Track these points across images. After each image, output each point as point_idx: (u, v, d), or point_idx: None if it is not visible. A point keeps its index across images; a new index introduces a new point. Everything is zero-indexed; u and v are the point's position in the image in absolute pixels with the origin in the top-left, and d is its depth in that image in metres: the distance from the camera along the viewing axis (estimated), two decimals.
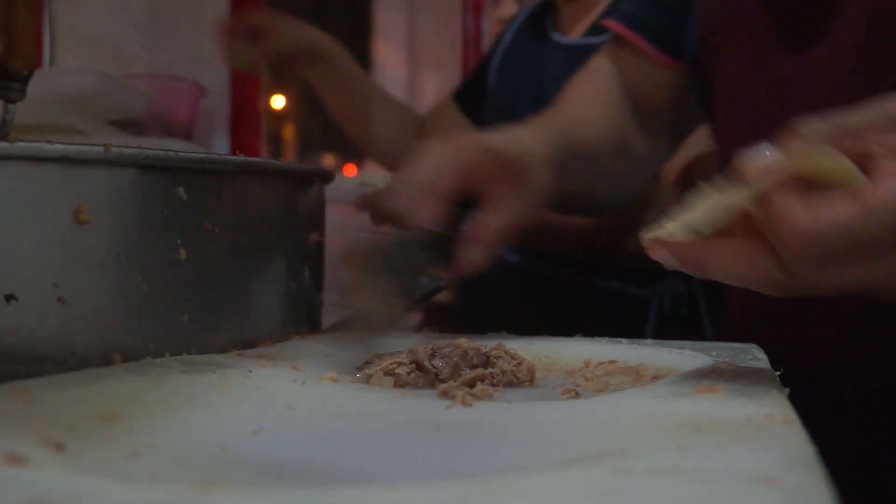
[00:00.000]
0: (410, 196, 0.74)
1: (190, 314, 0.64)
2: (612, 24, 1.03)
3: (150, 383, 0.52)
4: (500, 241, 0.79)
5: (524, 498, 0.31)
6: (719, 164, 0.96)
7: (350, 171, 6.54)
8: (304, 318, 0.76)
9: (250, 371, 0.58)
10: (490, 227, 0.78)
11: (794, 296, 0.55)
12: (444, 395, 0.58)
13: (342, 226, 0.87)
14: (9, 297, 0.57)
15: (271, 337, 0.70)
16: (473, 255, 0.77)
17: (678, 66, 0.99)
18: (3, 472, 0.34)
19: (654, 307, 1.32)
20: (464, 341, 0.67)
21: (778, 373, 0.60)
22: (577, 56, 1.17)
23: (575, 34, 1.37)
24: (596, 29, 1.31)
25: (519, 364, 0.66)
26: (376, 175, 1.73)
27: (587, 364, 0.70)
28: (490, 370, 0.63)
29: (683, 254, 0.55)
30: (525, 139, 0.84)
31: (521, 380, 0.65)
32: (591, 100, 1.02)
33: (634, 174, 1.05)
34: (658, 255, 0.56)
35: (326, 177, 0.80)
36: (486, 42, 2.32)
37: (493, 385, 0.62)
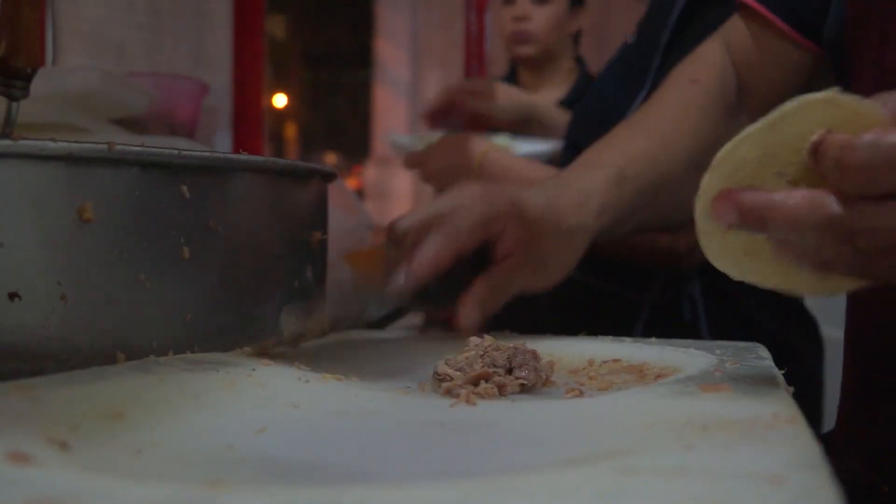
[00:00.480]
0: (426, 250, 0.74)
1: (193, 313, 0.64)
2: None
3: (153, 382, 0.52)
4: (493, 310, 0.79)
5: (530, 497, 0.31)
6: None
7: (352, 183, 6.54)
8: (307, 317, 0.75)
9: (254, 370, 0.58)
10: (497, 282, 0.77)
11: (863, 262, 0.52)
12: (449, 393, 0.58)
13: (349, 226, 0.87)
14: (12, 296, 0.56)
15: (275, 335, 0.70)
16: (467, 318, 0.77)
17: (810, 46, 0.94)
18: (7, 471, 0.33)
19: (645, 312, 1.32)
20: (489, 341, 0.66)
21: (782, 371, 0.59)
22: None
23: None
24: None
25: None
26: (431, 133, 1.73)
27: (591, 363, 0.70)
28: (523, 373, 0.62)
29: (746, 201, 0.52)
30: (570, 209, 0.82)
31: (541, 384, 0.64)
32: (688, 103, 0.98)
33: None
34: (720, 210, 0.53)
35: (329, 175, 0.80)
36: (489, 40, 2.32)
37: (522, 389, 0.61)
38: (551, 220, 0.80)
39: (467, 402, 0.55)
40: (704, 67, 0.99)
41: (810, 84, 0.95)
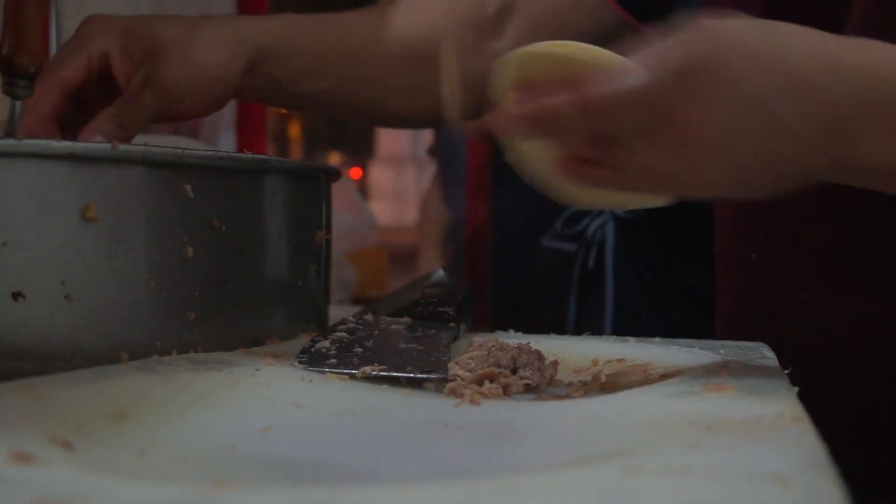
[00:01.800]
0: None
1: (197, 312, 0.64)
2: None
3: (157, 381, 0.52)
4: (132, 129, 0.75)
5: (535, 497, 0.31)
6: None
7: (356, 174, 6.53)
8: (310, 316, 0.75)
9: (258, 369, 0.57)
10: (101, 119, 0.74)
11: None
12: (453, 393, 0.58)
13: None
14: (16, 295, 0.56)
15: (278, 335, 0.70)
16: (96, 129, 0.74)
17: (630, 20, 0.92)
18: (11, 471, 0.33)
19: (577, 264, 1.32)
20: (496, 341, 0.66)
21: (787, 371, 0.59)
22: None
23: None
24: None
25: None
26: None
27: (595, 362, 0.70)
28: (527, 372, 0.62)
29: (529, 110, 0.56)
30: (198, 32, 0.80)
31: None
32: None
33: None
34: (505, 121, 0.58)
35: (333, 174, 0.80)
36: None
37: (526, 389, 0.61)
38: (153, 31, 0.79)
39: (471, 401, 0.55)
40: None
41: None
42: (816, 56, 0.54)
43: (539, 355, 0.63)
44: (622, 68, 0.55)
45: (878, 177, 0.58)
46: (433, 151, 3.00)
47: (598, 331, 1.24)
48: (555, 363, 0.65)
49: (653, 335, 0.76)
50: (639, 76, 0.54)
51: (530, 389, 0.61)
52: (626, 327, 1.11)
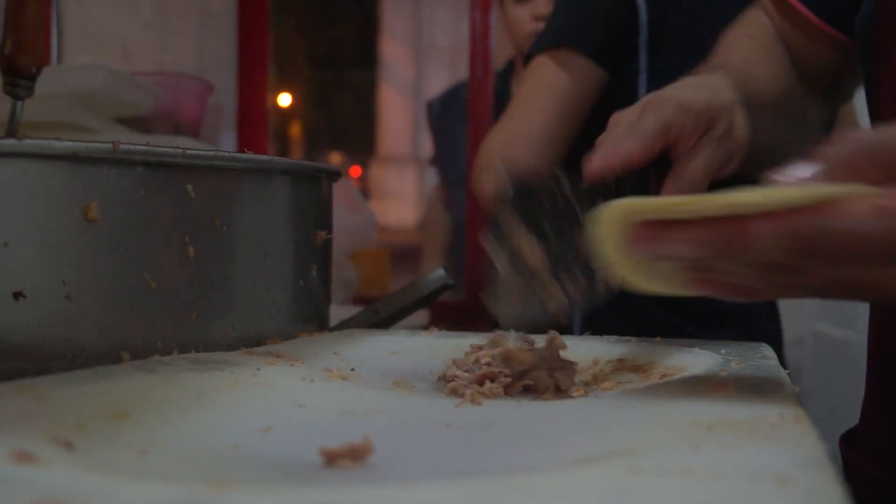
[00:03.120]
0: (614, 143, 0.71)
1: (198, 312, 0.64)
2: None
3: (158, 381, 0.52)
4: (701, 186, 0.75)
5: (537, 497, 0.31)
6: None
7: (356, 172, 6.53)
8: (312, 316, 0.76)
9: (259, 369, 0.57)
10: (688, 173, 0.74)
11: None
12: (454, 393, 0.58)
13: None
14: (17, 295, 0.56)
15: (279, 335, 0.70)
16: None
17: (840, 37, 0.93)
18: (13, 471, 0.33)
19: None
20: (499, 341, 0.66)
21: (787, 371, 0.59)
22: None
23: None
24: None
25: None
26: None
27: (596, 363, 0.70)
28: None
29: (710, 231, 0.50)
30: (714, 87, 0.80)
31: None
32: (756, 50, 0.97)
33: (803, 133, 1.00)
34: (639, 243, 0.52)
35: (334, 175, 0.80)
36: (494, 40, 2.32)
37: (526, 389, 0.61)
38: (716, 102, 0.78)
39: (472, 401, 0.55)
40: (757, 26, 0.99)
41: (846, 66, 0.95)
42: None
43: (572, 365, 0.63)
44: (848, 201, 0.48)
45: None
46: (434, 162, 3.00)
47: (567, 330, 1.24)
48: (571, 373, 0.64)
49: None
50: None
51: (531, 389, 0.61)
52: (597, 328, 1.11)
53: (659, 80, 1.32)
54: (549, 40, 1.32)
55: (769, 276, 0.51)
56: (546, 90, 1.29)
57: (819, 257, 0.48)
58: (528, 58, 1.35)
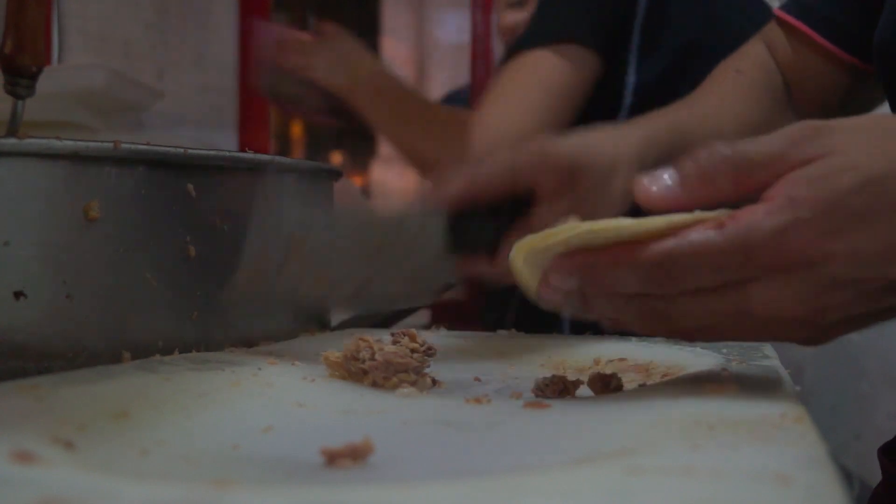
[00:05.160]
0: (447, 181, 0.71)
1: (199, 311, 0.64)
2: (780, 13, 0.97)
3: (159, 381, 0.52)
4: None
5: (537, 497, 0.31)
6: None
7: (356, 182, 6.51)
8: (312, 316, 0.76)
9: (259, 369, 0.57)
10: (532, 221, 0.73)
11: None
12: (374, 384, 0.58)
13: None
14: (18, 294, 0.57)
15: (280, 334, 0.70)
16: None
17: (852, 60, 0.93)
18: (13, 471, 0.33)
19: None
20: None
21: (788, 371, 0.59)
22: None
23: None
24: None
25: None
26: None
27: (597, 362, 0.70)
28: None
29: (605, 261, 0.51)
30: (606, 143, 0.79)
31: None
32: (737, 87, 0.97)
33: None
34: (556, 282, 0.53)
35: (335, 174, 0.80)
36: (495, 40, 2.32)
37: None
38: (586, 155, 0.77)
39: (476, 402, 0.55)
40: (748, 61, 0.98)
41: (857, 90, 0.95)
42: None
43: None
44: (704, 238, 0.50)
45: None
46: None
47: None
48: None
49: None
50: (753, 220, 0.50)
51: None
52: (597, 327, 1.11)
53: (650, 61, 1.32)
54: (548, 35, 1.30)
55: (644, 314, 0.52)
56: (543, 86, 1.27)
57: (676, 280, 0.50)
58: (513, 51, 1.33)
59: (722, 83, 0.98)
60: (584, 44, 1.29)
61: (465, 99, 2.37)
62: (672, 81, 1.33)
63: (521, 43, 1.32)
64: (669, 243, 0.50)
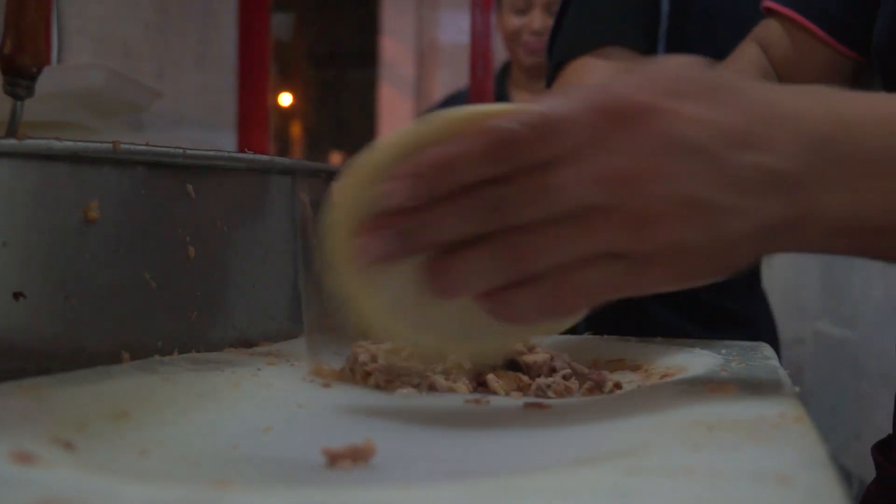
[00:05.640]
0: None
1: (198, 312, 0.64)
2: (775, 6, 0.97)
3: (158, 381, 0.52)
4: None
5: (538, 497, 0.31)
6: None
7: None
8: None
9: (259, 369, 0.57)
10: None
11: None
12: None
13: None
14: (17, 295, 0.56)
15: (280, 335, 0.70)
16: None
17: (850, 53, 0.92)
18: (13, 471, 0.33)
19: None
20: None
21: (788, 371, 0.59)
22: None
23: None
24: None
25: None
26: None
27: (595, 363, 0.70)
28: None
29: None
30: None
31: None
32: None
33: None
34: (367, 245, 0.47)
35: (334, 174, 0.79)
36: (495, 40, 2.32)
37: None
38: None
39: (476, 403, 0.55)
40: (743, 61, 0.98)
41: (857, 85, 0.94)
42: (763, 103, 0.48)
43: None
44: (524, 108, 0.46)
45: (838, 236, 0.50)
46: None
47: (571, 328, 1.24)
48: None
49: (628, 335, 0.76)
50: (555, 107, 0.46)
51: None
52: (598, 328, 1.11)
53: None
54: (591, 40, 1.28)
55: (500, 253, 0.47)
56: None
57: (521, 155, 0.46)
58: (557, 65, 1.31)
59: None
60: (627, 45, 1.28)
61: (464, 101, 2.37)
62: None
63: (564, 53, 1.30)
64: (490, 123, 0.46)
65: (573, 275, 0.47)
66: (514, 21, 2.14)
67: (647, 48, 1.30)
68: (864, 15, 0.88)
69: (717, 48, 1.31)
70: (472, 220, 0.47)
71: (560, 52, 1.31)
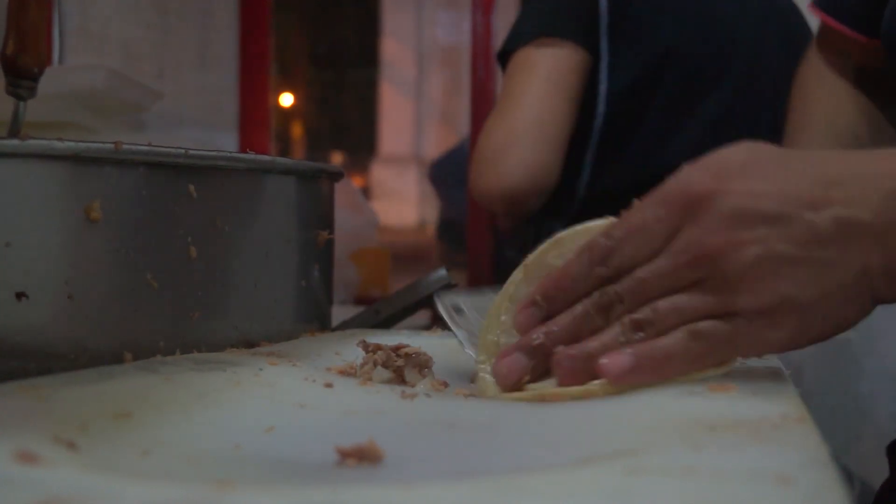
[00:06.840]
0: None
1: (200, 312, 0.64)
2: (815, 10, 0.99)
3: (160, 381, 0.52)
4: None
5: (539, 497, 0.31)
6: None
7: (357, 182, 6.53)
8: (313, 317, 0.76)
9: (261, 369, 0.57)
10: None
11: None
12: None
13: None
14: (19, 295, 0.57)
15: (281, 335, 0.70)
16: None
17: (861, 39, 0.94)
18: (16, 471, 0.33)
19: None
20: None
21: (788, 372, 0.59)
22: None
23: None
24: None
25: None
26: None
27: None
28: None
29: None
30: None
31: None
32: (826, 118, 0.99)
33: None
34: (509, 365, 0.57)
35: (335, 175, 0.80)
36: (496, 41, 2.32)
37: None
38: None
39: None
40: (827, 86, 1.01)
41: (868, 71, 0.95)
42: (834, 169, 0.52)
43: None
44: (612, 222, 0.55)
45: None
46: (434, 179, 3.01)
47: None
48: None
49: None
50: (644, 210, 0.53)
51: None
52: None
53: (621, 68, 1.34)
54: (532, 31, 1.34)
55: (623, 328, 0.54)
56: (542, 77, 1.30)
57: (618, 258, 0.53)
58: (504, 54, 1.37)
59: (813, 113, 1.01)
60: (566, 38, 1.32)
61: (463, 158, 2.37)
62: (645, 90, 1.35)
63: (505, 47, 1.37)
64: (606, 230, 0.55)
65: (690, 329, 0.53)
66: None
67: (589, 42, 1.34)
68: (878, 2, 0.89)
69: (664, 44, 1.33)
70: (592, 321, 0.55)
71: (507, 42, 1.38)
